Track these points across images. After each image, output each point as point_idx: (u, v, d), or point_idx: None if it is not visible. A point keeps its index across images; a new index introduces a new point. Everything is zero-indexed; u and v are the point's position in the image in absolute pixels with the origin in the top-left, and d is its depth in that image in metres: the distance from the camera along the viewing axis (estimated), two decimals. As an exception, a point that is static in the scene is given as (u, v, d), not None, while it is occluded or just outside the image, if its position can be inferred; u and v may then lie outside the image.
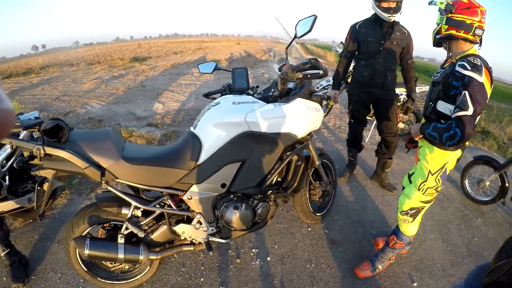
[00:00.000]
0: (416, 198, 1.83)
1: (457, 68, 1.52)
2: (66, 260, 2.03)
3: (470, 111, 1.42)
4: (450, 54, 1.71)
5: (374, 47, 2.70)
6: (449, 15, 1.58)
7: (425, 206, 1.86)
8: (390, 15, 2.52)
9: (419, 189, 1.81)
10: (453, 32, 1.58)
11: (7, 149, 1.85)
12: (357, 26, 2.78)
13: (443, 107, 1.63)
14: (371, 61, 2.75)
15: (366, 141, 4.40)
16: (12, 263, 1.90)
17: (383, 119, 2.98)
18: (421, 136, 1.77)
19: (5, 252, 1.88)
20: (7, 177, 2.06)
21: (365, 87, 2.86)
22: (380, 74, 2.76)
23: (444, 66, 1.72)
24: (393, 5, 2.50)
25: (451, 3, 1.59)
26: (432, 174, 1.75)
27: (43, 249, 2.18)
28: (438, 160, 1.73)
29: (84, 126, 4.81)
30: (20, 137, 1.56)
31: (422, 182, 1.79)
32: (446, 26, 1.60)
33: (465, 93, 1.45)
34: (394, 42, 2.66)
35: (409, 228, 1.96)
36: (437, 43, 1.76)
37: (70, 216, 2.44)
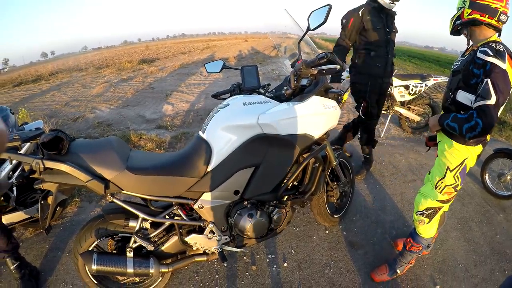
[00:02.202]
0: (433, 198, 1.71)
1: (479, 55, 1.41)
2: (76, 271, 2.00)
3: (492, 101, 1.33)
4: (471, 43, 1.60)
5: (382, 35, 2.62)
6: None
7: (442, 207, 1.73)
8: (391, 2, 2.53)
9: (436, 187, 1.69)
10: (477, 16, 1.47)
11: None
12: (359, 13, 2.61)
13: (464, 97, 1.53)
14: (382, 51, 2.66)
15: (382, 136, 4.26)
16: (22, 276, 1.87)
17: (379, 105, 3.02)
18: (440, 129, 1.65)
19: (15, 265, 1.85)
20: (14, 188, 2.04)
21: (379, 78, 2.77)
22: (391, 63, 2.78)
23: (465, 55, 1.61)
24: None
25: None
26: (451, 171, 1.63)
27: (54, 260, 2.14)
28: (458, 155, 1.61)
29: (94, 131, 4.79)
30: (21, 150, 1.49)
31: (440, 180, 1.67)
32: (470, 10, 1.49)
33: (487, 81, 1.35)
34: (394, 30, 2.70)
35: (427, 229, 1.82)
36: (456, 30, 1.64)
37: (80, 225, 2.40)
